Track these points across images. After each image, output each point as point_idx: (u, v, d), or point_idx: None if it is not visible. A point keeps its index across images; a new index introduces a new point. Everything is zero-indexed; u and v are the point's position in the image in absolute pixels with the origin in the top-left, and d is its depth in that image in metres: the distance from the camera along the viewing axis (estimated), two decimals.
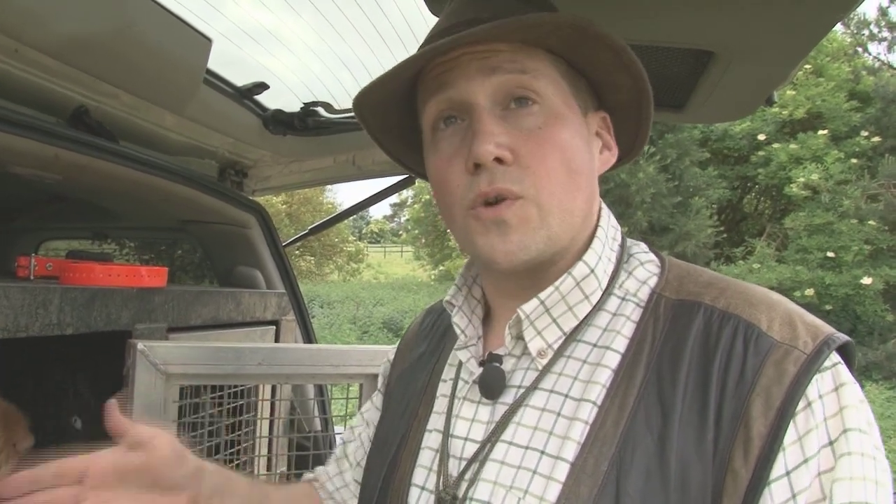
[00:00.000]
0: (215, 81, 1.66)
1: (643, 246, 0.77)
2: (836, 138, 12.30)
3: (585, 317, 0.70)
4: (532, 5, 0.71)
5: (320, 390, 1.92)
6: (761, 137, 12.67)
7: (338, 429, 1.91)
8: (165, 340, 1.38)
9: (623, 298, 0.70)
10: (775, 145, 12.50)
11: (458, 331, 0.76)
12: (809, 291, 11.06)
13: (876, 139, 12.03)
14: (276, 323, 1.89)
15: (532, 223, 0.67)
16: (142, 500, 0.74)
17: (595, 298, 0.70)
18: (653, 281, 0.71)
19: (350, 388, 1.50)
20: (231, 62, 1.67)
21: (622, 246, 0.76)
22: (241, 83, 1.76)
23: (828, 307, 11.24)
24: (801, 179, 11.57)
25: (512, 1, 0.71)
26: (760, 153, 12.78)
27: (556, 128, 0.68)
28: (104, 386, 1.51)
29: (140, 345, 1.25)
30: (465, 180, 0.68)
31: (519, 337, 0.71)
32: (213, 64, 1.55)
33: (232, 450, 1.54)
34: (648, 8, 1.02)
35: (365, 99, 0.74)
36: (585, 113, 0.73)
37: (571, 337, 0.69)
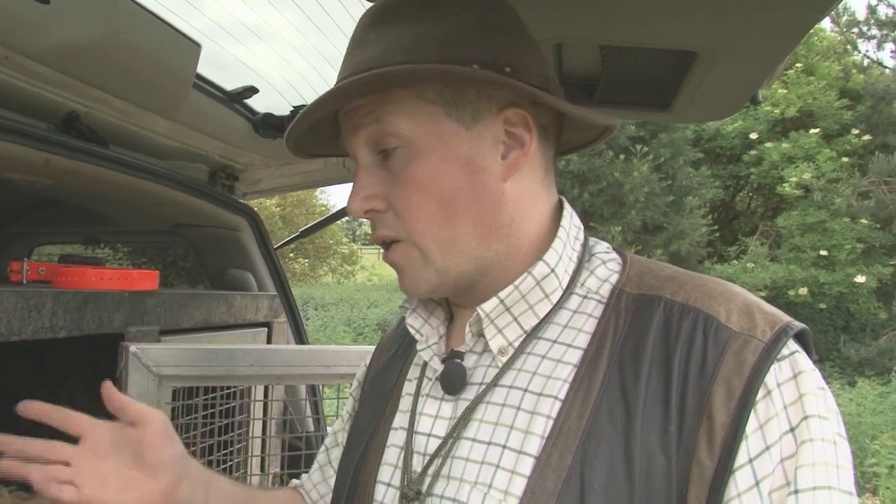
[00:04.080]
0: (205, 86, 1.67)
1: (605, 245, 0.77)
2: (828, 136, 12.32)
3: (546, 315, 0.70)
4: (393, 49, 0.68)
5: (312, 391, 1.93)
6: (753, 136, 12.68)
7: (329, 429, 1.92)
8: (158, 343, 1.39)
9: (584, 296, 0.71)
10: (767, 144, 12.50)
11: (412, 331, 0.77)
12: (803, 290, 11.06)
13: (866, 137, 12.07)
14: (267, 325, 1.90)
15: (416, 262, 0.71)
16: (125, 475, 0.77)
17: (556, 297, 0.71)
18: (614, 278, 0.71)
19: (342, 389, 1.51)
20: (221, 67, 1.68)
21: (584, 245, 0.76)
22: (231, 87, 1.78)
23: (822, 305, 11.27)
24: (794, 178, 11.59)
25: (372, 52, 0.68)
26: (753, 152, 12.78)
27: (416, 165, 0.68)
28: (98, 389, 1.52)
29: (133, 347, 1.26)
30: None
31: (479, 334, 0.72)
32: (202, 69, 1.56)
33: (225, 451, 1.55)
34: (628, 10, 1.03)
35: (296, 147, 0.78)
36: (476, 122, 0.69)
37: (532, 334, 0.70)
